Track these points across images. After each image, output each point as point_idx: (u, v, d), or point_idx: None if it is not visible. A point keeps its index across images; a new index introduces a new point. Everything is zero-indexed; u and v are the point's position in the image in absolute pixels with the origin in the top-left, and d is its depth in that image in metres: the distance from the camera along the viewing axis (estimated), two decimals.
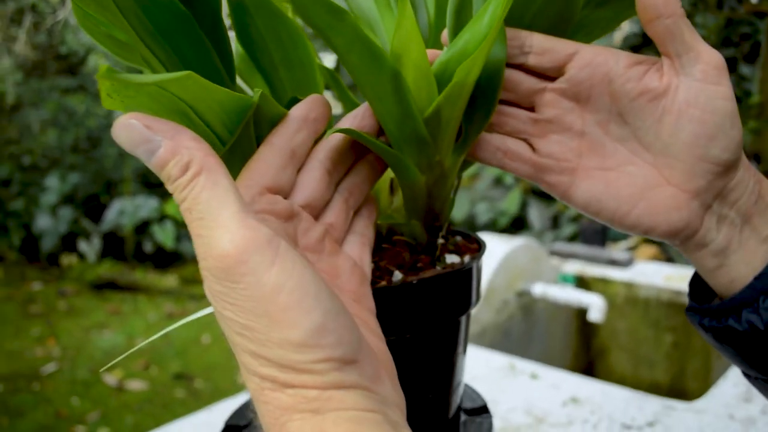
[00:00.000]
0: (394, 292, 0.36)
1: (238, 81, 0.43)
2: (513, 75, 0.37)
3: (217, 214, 0.26)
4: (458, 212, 2.87)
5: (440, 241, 0.41)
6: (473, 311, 1.23)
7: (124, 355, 0.45)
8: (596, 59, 0.35)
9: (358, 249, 0.35)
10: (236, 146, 0.33)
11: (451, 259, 0.40)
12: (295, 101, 0.35)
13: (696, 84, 0.33)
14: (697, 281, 0.39)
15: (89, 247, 4.03)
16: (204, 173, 0.27)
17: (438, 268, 0.39)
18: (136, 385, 2.54)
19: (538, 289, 1.27)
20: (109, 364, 0.60)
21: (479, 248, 0.42)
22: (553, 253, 1.52)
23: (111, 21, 0.32)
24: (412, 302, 0.37)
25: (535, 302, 1.31)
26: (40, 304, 3.49)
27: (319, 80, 0.40)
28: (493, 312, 1.21)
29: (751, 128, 2.42)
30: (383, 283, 0.36)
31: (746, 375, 0.38)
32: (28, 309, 3.41)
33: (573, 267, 1.46)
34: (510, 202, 2.82)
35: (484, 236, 1.30)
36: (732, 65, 3.01)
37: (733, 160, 0.34)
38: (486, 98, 0.37)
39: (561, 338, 1.44)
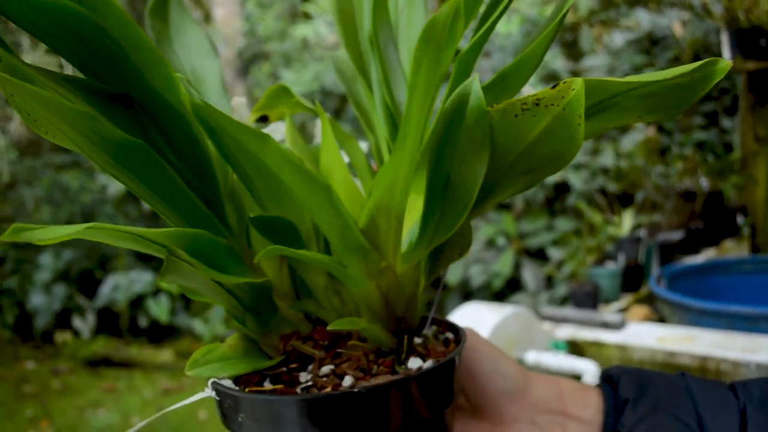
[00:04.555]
0: (332, 400, 0.33)
1: None
2: None
3: None
4: (452, 276, 2.86)
5: (417, 341, 0.40)
6: None
7: None
8: None
9: None
10: None
11: (413, 363, 0.39)
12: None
13: None
14: None
15: (83, 324, 4.00)
16: None
17: (400, 373, 0.38)
18: None
19: (531, 357, 1.25)
20: None
21: (456, 344, 0.40)
22: (545, 317, 1.51)
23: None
24: (356, 413, 0.34)
25: (530, 370, 1.29)
26: (33, 383, 3.44)
27: None
28: None
29: (734, 183, 2.44)
30: (328, 390, 0.35)
31: None
32: (22, 389, 3.36)
33: (565, 332, 1.45)
34: (503, 264, 2.82)
35: (475, 306, 1.29)
36: (713, 119, 3.05)
37: None
38: (457, 200, 0.36)
39: None
